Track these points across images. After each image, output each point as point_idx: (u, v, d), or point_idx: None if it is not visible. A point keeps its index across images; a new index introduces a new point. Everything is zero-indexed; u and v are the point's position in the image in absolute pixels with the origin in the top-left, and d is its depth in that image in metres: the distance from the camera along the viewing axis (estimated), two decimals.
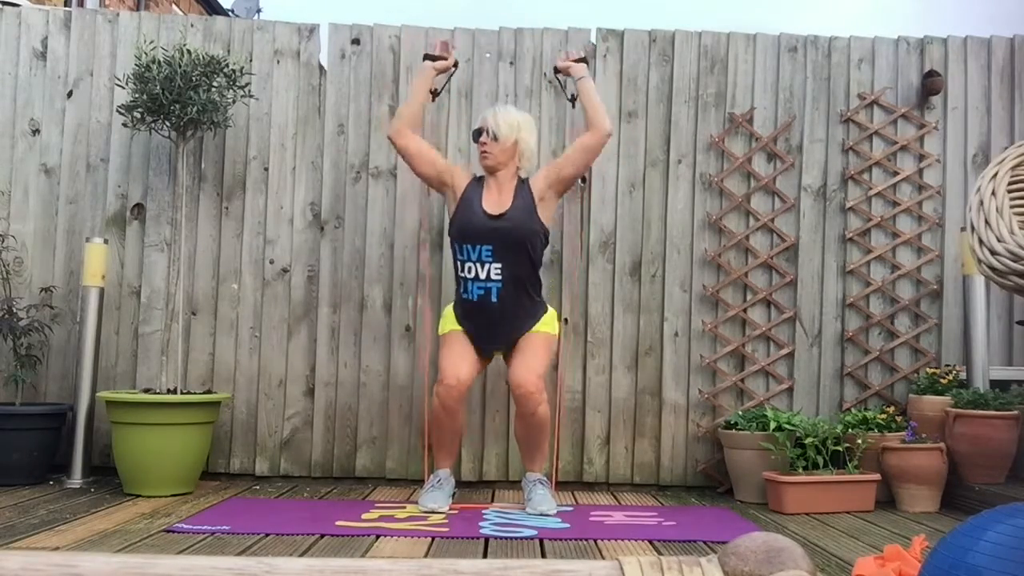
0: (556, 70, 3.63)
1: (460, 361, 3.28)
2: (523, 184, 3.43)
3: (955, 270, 3.95)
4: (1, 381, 3.78)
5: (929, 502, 3.44)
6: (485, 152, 3.39)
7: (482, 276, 3.32)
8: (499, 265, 3.30)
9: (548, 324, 3.45)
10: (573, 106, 3.70)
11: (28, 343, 3.72)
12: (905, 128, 4.04)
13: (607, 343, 3.92)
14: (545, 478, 3.38)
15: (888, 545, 2.27)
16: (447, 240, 3.84)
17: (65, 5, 11.45)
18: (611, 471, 3.88)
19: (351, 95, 3.98)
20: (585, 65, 3.55)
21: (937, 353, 3.96)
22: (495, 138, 3.37)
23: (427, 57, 3.55)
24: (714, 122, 4.01)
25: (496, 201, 3.37)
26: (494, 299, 3.31)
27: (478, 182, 3.44)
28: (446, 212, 3.90)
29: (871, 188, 3.99)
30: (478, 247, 3.32)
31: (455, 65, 3.58)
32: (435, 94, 3.65)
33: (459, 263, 3.38)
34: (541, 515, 3.14)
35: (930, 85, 3.99)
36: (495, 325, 3.35)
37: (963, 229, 3.86)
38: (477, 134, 3.44)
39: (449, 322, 3.46)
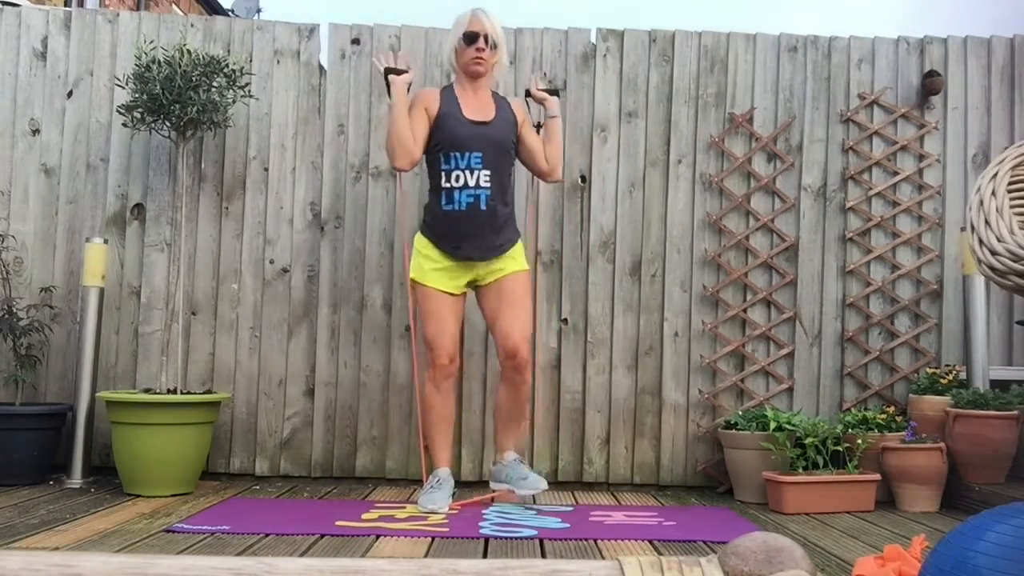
0: (528, 93, 3.56)
1: (447, 333, 3.27)
2: (502, 100, 3.40)
3: (955, 270, 3.95)
4: (1, 381, 3.78)
5: (929, 502, 3.45)
6: (480, 59, 3.30)
7: (471, 183, 3.26)
8: (488, 172, 3.26)
9: (522, 256, 3.43)
10: (538, 132, 3.52)
11: (28, 343, 3.72)
12: (905, 128, 4.04)
13: (607, 343, 3.92)
14: (518, 455, 3.44)
15: (888, 545, 2.27)
16: None
17: (65, 5, 11.45)
18: (611, 471, 3.88)
19: (351, 95, 3.98)
20: (557, 100, 3.51)
21: (937, 353, 3.96)
22: (494, 46, 3.32)
23: (392, 71, 3.36)
24: (714, 122, 4.01)
25: (477, 108, 3.31)
26: (483, 206, 3.27)
27: (448, 91, 3.36)
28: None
29: (871, 188, 3.99)
30: (467, 154, 3.26)
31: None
32: None
33: (443, 173, 3.28)
34: (538, 507, 3.14)
35: (930, 85, 3.99)
36: (482, 234, 3.28)
37: (963, 229, 3.86)
38: (471, 38, 3.29)
39: (424, 260, 3.32)
